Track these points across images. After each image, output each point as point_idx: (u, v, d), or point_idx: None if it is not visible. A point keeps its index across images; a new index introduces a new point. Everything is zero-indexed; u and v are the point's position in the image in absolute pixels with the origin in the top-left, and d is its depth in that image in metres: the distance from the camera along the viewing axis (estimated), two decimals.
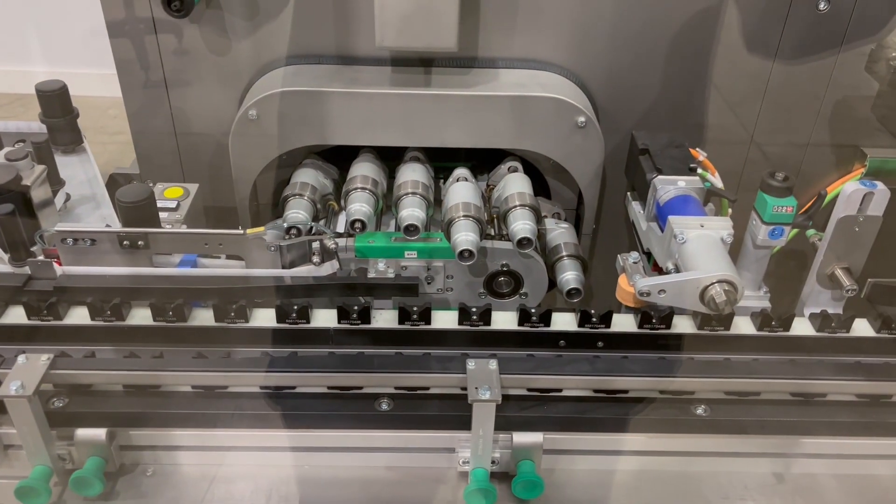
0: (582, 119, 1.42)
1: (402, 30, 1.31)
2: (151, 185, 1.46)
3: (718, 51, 1.49)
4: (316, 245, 1.21)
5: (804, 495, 1.09)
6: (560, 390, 1.09)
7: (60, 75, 1.63)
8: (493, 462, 1.06)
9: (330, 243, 1.21)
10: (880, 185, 1.18)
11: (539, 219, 1.42)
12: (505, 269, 1.42)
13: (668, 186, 1.27)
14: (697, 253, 1.13)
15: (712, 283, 1.08)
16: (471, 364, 1.03)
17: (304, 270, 1.22)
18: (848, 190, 1.18)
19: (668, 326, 1.18)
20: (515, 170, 1.52)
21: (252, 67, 1.51)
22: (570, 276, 1.41)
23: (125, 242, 1.16)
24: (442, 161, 1.56)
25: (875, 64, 1.41)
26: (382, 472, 1.10)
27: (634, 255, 1.26)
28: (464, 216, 1.34)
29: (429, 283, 1.42)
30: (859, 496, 1.09)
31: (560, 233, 1.51)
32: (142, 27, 1.48)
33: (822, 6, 1.43)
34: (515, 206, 1.39)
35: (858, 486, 1.10)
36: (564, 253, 1.45)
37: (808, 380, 1.08)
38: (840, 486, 1.11)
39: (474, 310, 1.17)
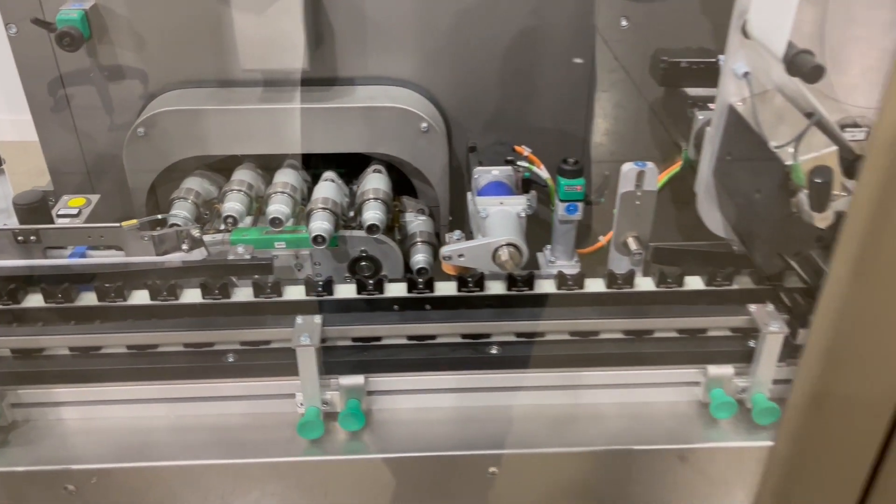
0: (425, 125, 1.67)
1: (260, 54, 1.56)
2: (65, 197, 1.69)
3: (545, 63, 1.75)
4: (185, 234, 1.44)
5: (591, 421, 1.32)
6: (379, 339, 1.32)
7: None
8: (325, 403, 1.28)
9: (196, 233, 1.44)
10: (650, 165, 1.43)
11: (390, 210, 1.66)
12: (364, 254, 1.65)
13: (486, 175, 1.52)
14: (494, 224, 1.37)
15: (500, 247, 1.32)
16: (298, 319, 1.26)
17: (175, 257, 1.45)
18: (624, 169, 1.43)
19: (482, 289, 1.42)
20: (378, 171, 1.77)
21: (145, 93, 1.75)
22: (419, 257, 1.65)
23: (19, 238, 1.38)
24: (322, 168, 1.81)
25: (653, 70, 1.67)
26: (236, 419, 1.32)
27: (457, 233, 1.50)
28: (321, 208, 1.57)
29: (299, 270, 1.65)
30: (634, 419, 1.33)
31: (418, 223, 1.75)
32: (48, 63, 1.72)
33: (623, 24, 1.70)
34: (368, 199, 1.63)
35: (633, 412, 1.34)
36: (418, 239, 1.69)
37: (585, 319, 1.32)
38: (621, 411, 1.34)
39: (320, 283, 1.41)
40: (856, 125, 1.29)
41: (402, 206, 1.82)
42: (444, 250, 1.34)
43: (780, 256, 1.22)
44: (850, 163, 1.16)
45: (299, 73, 1.64)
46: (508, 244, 1.32)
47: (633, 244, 1.51)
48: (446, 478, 1.29)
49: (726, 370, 1.31)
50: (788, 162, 1.07)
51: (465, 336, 1.33)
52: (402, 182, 1.84)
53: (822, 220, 1.04)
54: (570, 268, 1.57)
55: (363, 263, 1.66)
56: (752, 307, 1.31)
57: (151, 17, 1.65)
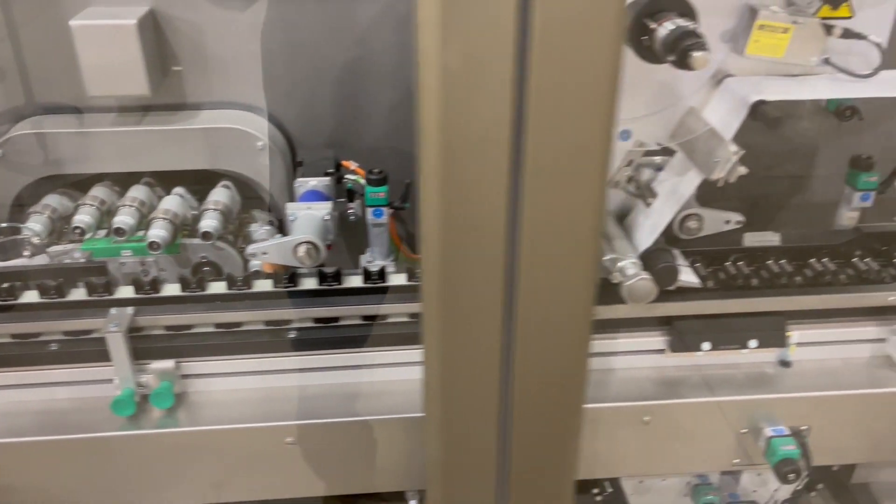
0: (261, 143, 1.87)
1: (104, 81, 1.75)
2: None
3: (372, 87, 1.97)
4: (27, 242, 1.60)
5: (379, 397, 1.51)
6: (190, 327, 1.50)
7: None
8: (141, 385, 1.45)
9: (36, 240, 1.61)
10: None
11: (230, 220, 1.84)
12: (204, 259, 1.83)
13: (305, 185, 1.73)
14: (299, 225, 1.57)
15: (299, 244, 1.51)
16: (112, 310, 1.44)
17: (19, 262, 1.61)
18: None
19: (296, 284, 1.60)
20: (226, 186, 1.95)
21: (10, 120, 1.92)
22: (255, 262, 1.83)
23: None
24: (184, 184, 1.99)
25: None
26: (64, 404, 1.48)
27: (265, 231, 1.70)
28: (160, 217, 1.75)
29: (146, 276, 1.82)
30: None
31: (260, 233, 1.93)
32: None
33: None
34: (207, 209, 1.81)
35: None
36: None
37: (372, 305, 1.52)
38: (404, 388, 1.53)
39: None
40: None
41: (252, 218, 2.01)
42: (249, 248, 1.53)
43: None
44: None
45: (145, 99, 1.83)
46: (306, 242, 1.51)
47: None
48: (248, 447, 1.46)
49: None
50: None
51: (268, 323, 1.52)
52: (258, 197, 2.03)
53: None
54: (387, 267, 1.77)
55: (205, 269, 1.84)
56: None
57: (7, 49, 1.83)
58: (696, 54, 1.09)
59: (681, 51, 1.10)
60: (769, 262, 1.67)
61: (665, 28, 1.13)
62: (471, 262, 0.89)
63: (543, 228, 0.86)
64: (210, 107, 1.96)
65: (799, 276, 1.61)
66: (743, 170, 1.49)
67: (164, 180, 2.04)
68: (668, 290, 1.53)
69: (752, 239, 1.72)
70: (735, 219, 1.65)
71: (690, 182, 1.46)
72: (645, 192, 1.57)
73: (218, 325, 1.51)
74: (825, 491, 2.06)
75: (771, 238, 1.72)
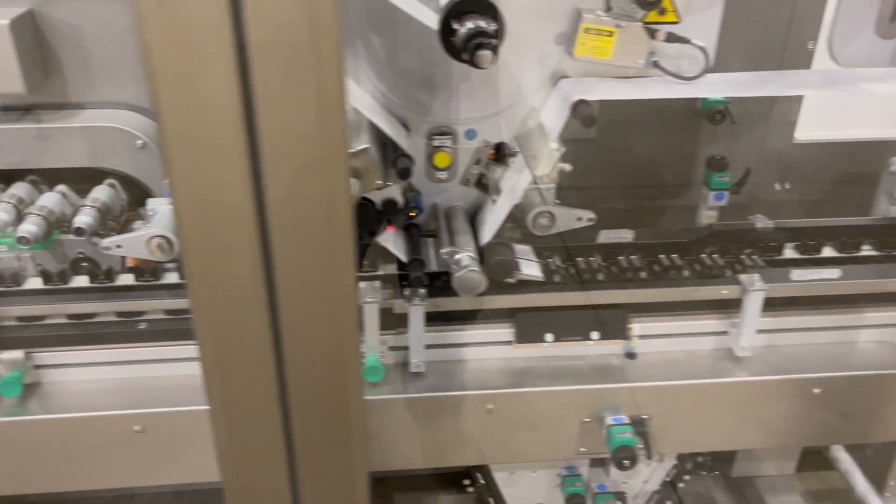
0: (140, 142, 1.91)
1: None
2: None
3: None
4: None
5: None
6: (44, 318, 1.54)
7: None
8: None
9: None
10: None
11: (107, 217, 1.88)
12: (81, 255, 1.87)
13: None
14: (157, 220, 1.61)
15: (152, 237, 1.56)
16: None
17: None
18: None
19: (158, 279, 1.65)
20: (111, 185, 1.99)
21: None
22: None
23: None
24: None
25: None
26: None
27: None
28: (34, 213, 1.79)
29: (22, 271, 1.85)
30: None
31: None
32: None
33: None
34: (84, 206, 1.85)
35: None
36: None
37: None
38: None
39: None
40: (444, 133, 1.58)
41: (139, 216, 2.05)
42: (104, 242, 1.57)
43: None
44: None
45: (25, 98, 1.87)
46: (159, 236, 1.55)
47: None
48: (96, 436, 1.50)
49: None
50: None
51: (120, 314, 1.56)
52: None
53: None
54: None
55: (82, 264, 1.88)
56: None
57: None
58: (482, 53, 1.15)
59: (470, 49, 1.16)
60: (621, 258, 1.74)
61: (464, 28, 1.19)
62: (225, 258, 0.94)
63: (291, 219, 0.91)
64: (94, 106, 2.00)
65: (645, 271, 1.68)
66: (567, 167, 1.56)
67: (55, 179, 2.08)
68: (511, 284, 1.59)
69: (606, 236, 1.79)
70: (587, 216, 1.71)
71: (525, 179, 1.52)
72: (492, 190, 1.63)
73: (71, 317, 1.55)
74: (704, 480, 2.13)
75: (625, 235, 1.78)
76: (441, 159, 1.60)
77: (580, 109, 1.40)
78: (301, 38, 0.82)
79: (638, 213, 2.19)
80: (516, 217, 1.73)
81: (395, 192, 1.39)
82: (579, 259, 1.73)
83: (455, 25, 1.21)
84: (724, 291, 1.61)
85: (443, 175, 1.63)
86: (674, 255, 1.74)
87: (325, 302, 0.98)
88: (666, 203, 2.22)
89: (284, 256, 0.93)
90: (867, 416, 1.66)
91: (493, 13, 1.22)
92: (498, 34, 1.24)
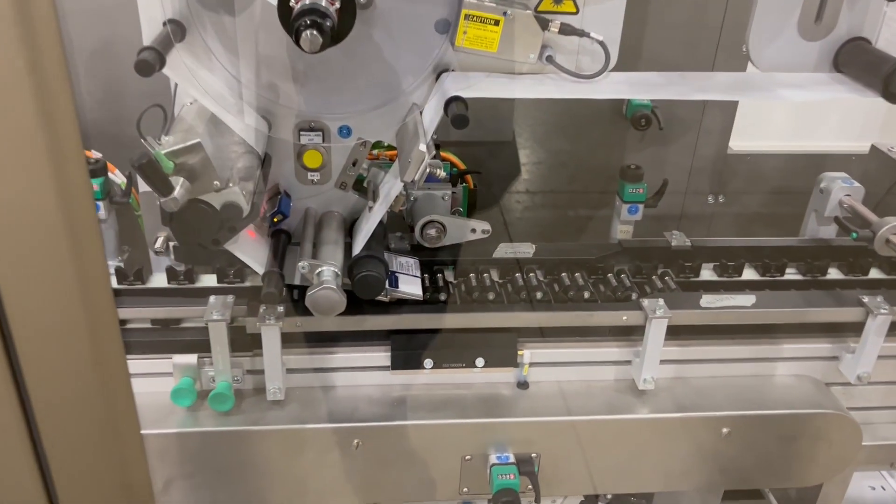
0: None
1: None
2: None
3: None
4: None
5: None
6: None
7: None
8: None
9: None
10: None
11: None
12: None
13: None
14: None
15: None
16: None
17: None
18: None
19: None
20: None
21: None
22: None
23: None
24: None
25: None
26: None
27: None
28: None
29: None
30: None
31: None
32: None
33: None
34: None
35: None
36: None
37: None
38: None
39: None
40: (313, 129, 1.39)
41: None
42: None
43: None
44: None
45: None
46: None
47: (161, 243, 1.56)
48: None
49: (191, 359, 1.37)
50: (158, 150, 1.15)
51: None
52: None
53: (167, 204, 1.12)
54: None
55: None
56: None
57: None
58: (306, 34, 0.96)
59: (294, 30, 0.97)
60: (517, 275, 1.57)
61: (299, 4, 1.00)
62: None
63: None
64: None
65: (540, 291, 1.51)
66: (441, 173, 1.38)
67: None
68: (385, 303, 1.41)
69: (504, 250, 1.61)
70: (481, 228, 1.53)
71: (398, 185, 1.34)
72: (371, 195, 1.45)
73: None
74: None
75: (525, 250, 1.61)
76: (311, 158, 1.41)
77: (452, 108, 1.21)
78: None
79: (550, 225, 2.03)
80: (409, 226, 1.56)
81: (236, 194, 1.20)
82: (472, 275, 1.56)
83: (292, 3, 1.02)
84: (624, 317, 1.44)
85: (315, 176, 1.44)
86: (577, 274, 1.57)
87: (70, 323, 0.79)
88: (583, 214, 2.06)
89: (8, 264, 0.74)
90: (782, 459, 1.50)
91: None
92: (346, 15, 1.05)
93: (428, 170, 1.24)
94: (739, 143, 2.08)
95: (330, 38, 0.98)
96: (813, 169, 1.88)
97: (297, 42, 0.98)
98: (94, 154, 1.68)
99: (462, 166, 1.85)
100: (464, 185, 1.80)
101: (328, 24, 0.97)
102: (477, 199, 1.84)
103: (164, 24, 1.21)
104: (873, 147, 1.90)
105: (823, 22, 1.39)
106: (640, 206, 1.67)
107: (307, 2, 1.00)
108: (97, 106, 1.80)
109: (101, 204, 1.54)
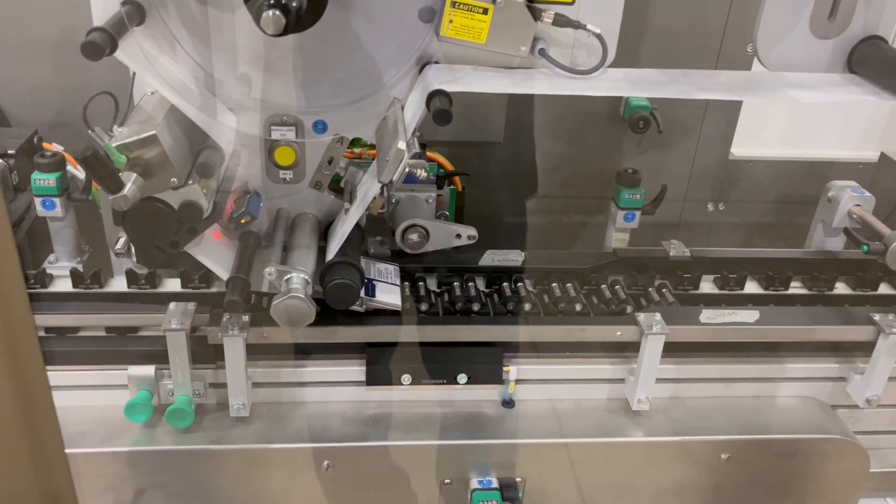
0: None
1: None
2: None
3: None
4: None
5: None
6: None
7: None
8: None
9: None
10: None
11: None
12: None
13: None
14: None
15: None
16: None
17: None
18: None
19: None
20: None
21: None
22: None
23: None
24: None
25: None
26: None
27: None
28: None
29: None
30: None
31: None
32: None
33: None
34: None
35: None
36: None
37: None
38: None
39: None
40: (284, 123, 1.29)
41: None
42: None
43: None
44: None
45: None
46: None
47: (122, 245, 1.45)
48: None
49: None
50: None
51: None
52: None
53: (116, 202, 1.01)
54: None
55: None
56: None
57: None
58: (266, 14, 0.86)
59: (255, 10, 0.87)
60: (505, 284, 1.46)
61: None
62: None
63: None
64: None
65: (529, 303, 1.40)
66: (423, 173, 1.27)
67: None
68: (360, 313, 1.31)
69: (492, 257, 1.51)
70: (467, 233, 1.43)
71: (375, 186, 1.23)
72: (348, 196, 1.34)
73: None
74: None
75: (514, 258, 1.51)
76: (283, 155, 1.30)
77: (435, 102, 1.11)
78: None
79: (542, 232, 1.93)
80: (391, 230, 1.46)
81: (196, 192, 1.09)
82: (456, 284, 1.45)
83: None
84: (619, 333, 1.33)
85: (287, 175, 1.33)
86: (569, 285, 1.47)
87: None
88: (578, 220, 1.96)
89: None
90: (784, 487, 1.40)
91: None
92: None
93: (408, 170, 1.14)
94: (742, 148, 1.98)
95: (295, 18, 0.87)
96: (819, 177, 1.79)
97: (257, 22, 0.87)
98: (54, 147, 1.58)
99: (450, 167, 1.75)
100: (451, 187, 1.70)
101: (294, 3, 0.87)
102: (465, 202, 1.74)
103: (122, 4, 1.11)
104: (883, 155, 1.81)
105: (837, 19, 1.29)
106: (637, 213, 1.57)
107: None
108: (59, 95, 1.69)
109: (57, 200, 1.44)
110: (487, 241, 1.58)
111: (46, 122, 1.74)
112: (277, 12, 0.85)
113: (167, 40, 1.17)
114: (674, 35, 1.83)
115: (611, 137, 1.91)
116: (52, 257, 1.51)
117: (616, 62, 1.27)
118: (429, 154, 1.72)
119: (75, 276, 1.38)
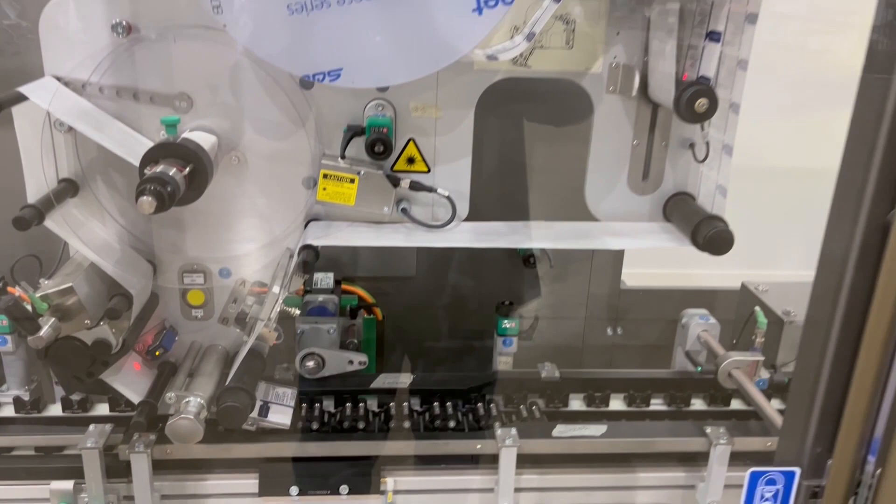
0: None
1: None
2: None
3: None
4: None
5: None
6: None
7: None
8: None
9: None
10: None
11: None
12: None
13: None
14: None
15: None
16: None
17: None
18: None
19: None
20: None
21: None
22: None
23: None
24: None
25: None
26: None
27: None
28: None
29: None
30: None
31: None
32: None
33: None
34: None
35: None
36: None
37: None
38: None
39: None
40: (194, 270, 1.54)
41: None
42: None
43: None
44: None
45: None
46: None
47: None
48: None
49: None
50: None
51: None
52: None
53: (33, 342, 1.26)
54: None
55: None
56: None
57: None
58: (142, 199, 1.13)
59: (136, 194, 1.14)
60: (392, 404, 1.67)
61: (149, 172, 1.18)
62: None
63: None
64: None
65: (409, 420, 1.60)
66: (295, 311, 1.52)
67: None
68: (252, 432, 1.51)
69: (384, 380, 1.73)
70: (359, 360, 1.66)
71: (259, 323, 1.47)
72: (248, 329, 1.58)
73: None
74: None
75: (403, 380, 1.72)
76: (194, 297, 1.56)
77: (303, 255, 1.37)
78: None
79: (454, 353, 2.14)
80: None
81: (105, 331, 1.34)
82: (348, 405, 1.66)
83: (146, 170, 1.20)
84: (479, 446, 1.53)
85: (198, 313, 1.58)
86: (449, 403, 1.68)
87: None
88: (481, 345, 2.18)
89: None
90: None
91: (190, 160, 1.22)
92: (196, 181, 1.23)
93: (280, 308, 1.39)
94: (632, 279, 2.23)
95: (169, 203, 1.15)
96: (691, 304, 2.02)
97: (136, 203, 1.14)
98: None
99: (370, 299, 2.00)
100: (370, 316, 1.94)
101: (168, 189, 1.14)
102: (385, 329, 1.98)
103: (59, 181, 1.40)
104: (743, 285, 2.05)
105: (651, 179, 1.57)
106: (515, 339, 1.80)
107: (159, 170, 1.18)
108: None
109: (8, 338, 1.68)
110: (402, 364, 1.80)
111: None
112: (150, 198, 1.12)
113: (97, 208, 1.46)
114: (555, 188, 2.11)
115: (513, 272, 2.16)
116: (3, 386, 1.74)
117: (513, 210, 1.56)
118: (347, 287, 1.99)
119: (17, 403, 1.61)
